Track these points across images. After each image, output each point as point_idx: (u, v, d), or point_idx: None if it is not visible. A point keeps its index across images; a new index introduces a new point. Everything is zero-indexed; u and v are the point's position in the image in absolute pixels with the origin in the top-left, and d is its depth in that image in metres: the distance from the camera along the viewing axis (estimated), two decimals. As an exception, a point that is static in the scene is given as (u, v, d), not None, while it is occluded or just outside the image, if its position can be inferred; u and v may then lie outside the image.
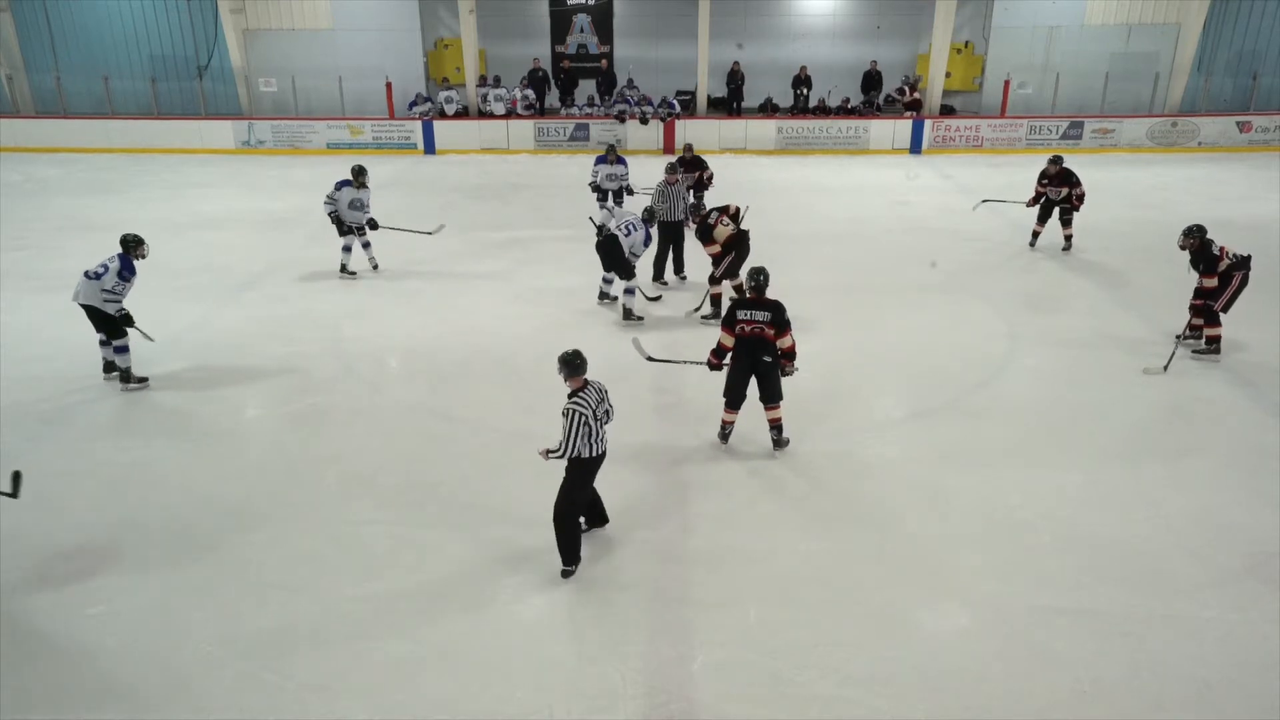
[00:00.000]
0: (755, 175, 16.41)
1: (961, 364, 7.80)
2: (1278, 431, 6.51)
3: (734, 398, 6.28)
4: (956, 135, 18.63)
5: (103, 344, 7.40)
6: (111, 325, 7.21)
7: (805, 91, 19.55)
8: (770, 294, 6.10)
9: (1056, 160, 10.99)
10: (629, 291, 8.85)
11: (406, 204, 14.13)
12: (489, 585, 4.91)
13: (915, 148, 18.54)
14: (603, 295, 9.29)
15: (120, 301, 7.19)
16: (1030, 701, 4.06)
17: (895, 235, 12.19)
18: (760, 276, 6.14)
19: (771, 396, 6.19)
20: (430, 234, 10.57)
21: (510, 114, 19.00)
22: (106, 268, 7.11)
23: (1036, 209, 11.22)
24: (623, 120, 18.62)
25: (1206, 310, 7.73)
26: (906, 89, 19.33)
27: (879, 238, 12.11)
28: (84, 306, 7.18)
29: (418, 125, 18.63)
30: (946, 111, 19.46)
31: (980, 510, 5.59)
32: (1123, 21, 19.34)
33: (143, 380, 7.36)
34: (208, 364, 7.84)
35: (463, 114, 19.16)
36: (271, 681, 4.20)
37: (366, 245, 10.20)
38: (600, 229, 9.52)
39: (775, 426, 6.31)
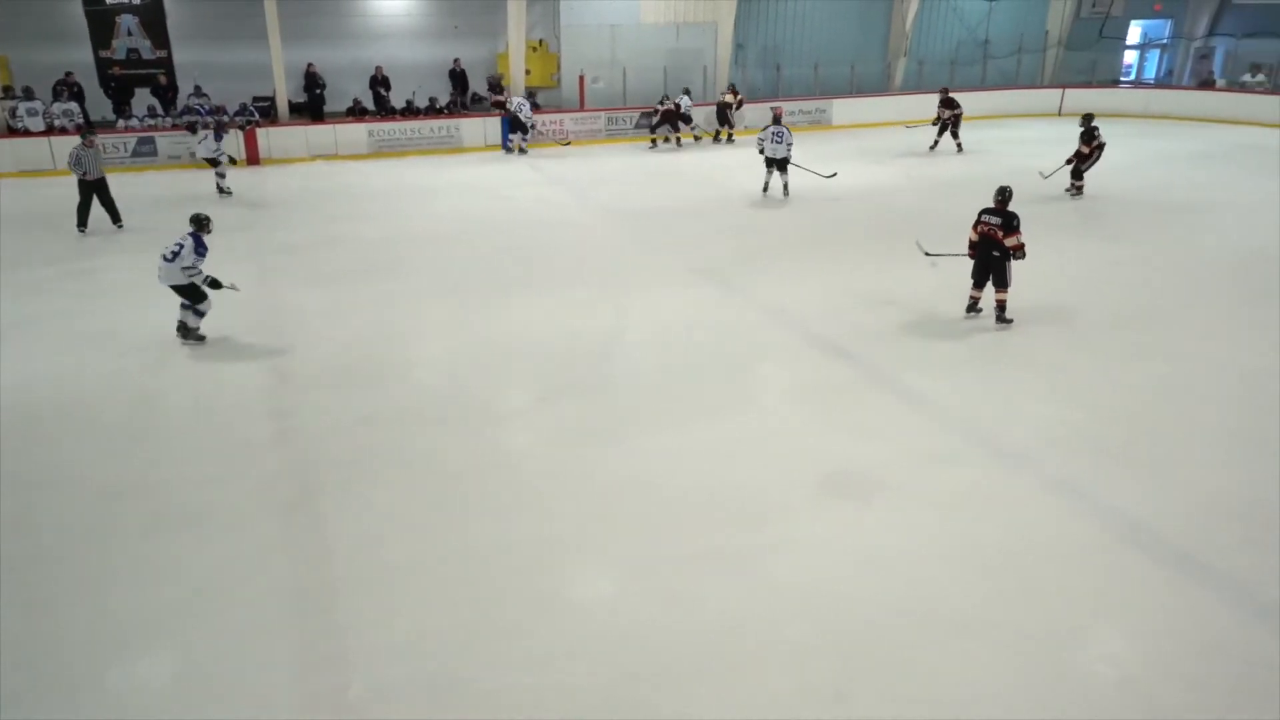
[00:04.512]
0: (353, 180, 15.95)
1: (572, 345, 8.29)
2: (816, 364, 7.80)
3: (978, 279, 8.50)
4: (544, 130, 19.53)
5: (184, 307, 8.32)
6: (194, 292, 8.17)
7: (385, 92, 19.29)
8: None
9: (944, 89, 18.41)
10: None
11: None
12: (108, 663, 4.34)
13: (506, 143, 19.14)
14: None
15: (201, 272, 8.10)
16: (676, 645, 4.46)
17: (503, 232, 12.55)
18: (1006, 192, 8.27)
19: (1000, 283, 8.30)
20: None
21: (51, 129, 16.50)
22: (181, 246, 8.01)
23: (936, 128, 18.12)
24: (194, 131, 16.99)
25: None
26: (494, 89, 19.84)
27: (486, 235, 12.39)
28: (171, 287, 8.12)
29: (-76, 148, 15.49)
30: (531, 107, 20.27)
31: (613, 478, 6.01)
32: (671, 21, 21.49)
33: (201, 338, 8.35)
34: None
35: (-13, 132, 16.29)
36: None
37: None
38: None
39: (1000, 305, 8.41)
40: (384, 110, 19.32)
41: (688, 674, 4.28)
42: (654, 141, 19.78)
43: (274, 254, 11.47)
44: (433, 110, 19.66)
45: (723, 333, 8.64)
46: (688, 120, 19.62)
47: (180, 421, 6.90)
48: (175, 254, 8.03)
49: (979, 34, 24.01)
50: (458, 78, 20.09)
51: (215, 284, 8.24)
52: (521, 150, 18.64)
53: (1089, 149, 13.86)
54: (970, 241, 8.46)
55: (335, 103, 19.24)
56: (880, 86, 23.35)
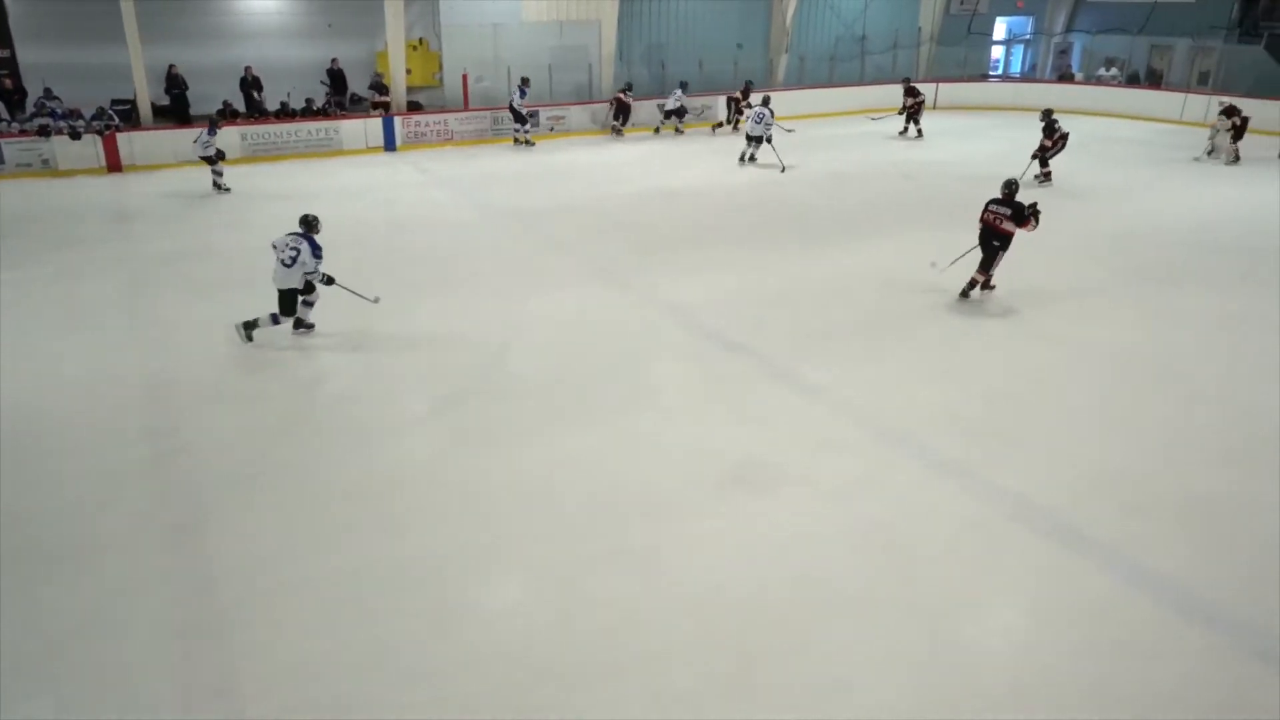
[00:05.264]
0: (229, 186, 15.21)
1: (467, 350, 8.11)
2: (714, 360, 7.86)
3: (980, 263, 8.98)
4: (428, 130, 19.09)
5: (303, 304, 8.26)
6: (294, 298, 8.06)
7: (257, 94, 18.51)
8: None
9: (906, 79, 20.02)
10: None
11: None
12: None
13: (389, 145, 18.65)
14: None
15: (320, 273, 8.06)
16: (580, 646, 4.41)
17: (390, 236, 12.21)
18: (1013, 185, 8.80)
19: (986, 267, 8.91)
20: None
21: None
22: (298, 251, 7.86)
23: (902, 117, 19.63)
24: (48, 136, 15.92)
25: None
26: (377, 89, 19.27)
27: (372, 240, 12.02)
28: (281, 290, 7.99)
29: None
30: (414, 107, 19.83)
31: (512, 483, 5.90)
32: (554, 19, 21.32)
33: (310, 326, 8.40)
34: None
35: None
36: None
37: None
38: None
39: (973, 283, 9.04)
40: (256, 112, 18.53)
41: (592, 674, 4.23)
42: (675, 130, 20.60)
43: (146, 265, 10.82)
44: (310, 112, 18.96)
45: (620, 332, 8.60)
46: (680, 114, 20.38)
47: (51, 445, 6.43)
48: (294, 259, 7.86)
49: (856, 30, 24.70)
50: (336, 77, 19.44)
51: (330, 280, 8.19)
52: (528, 143, 19.01)
53: (1051, 140, 14.66)
54: (979, 230, 8.97)
55: (202, 105, 18.27)
56: (763, 82, 23.75)
